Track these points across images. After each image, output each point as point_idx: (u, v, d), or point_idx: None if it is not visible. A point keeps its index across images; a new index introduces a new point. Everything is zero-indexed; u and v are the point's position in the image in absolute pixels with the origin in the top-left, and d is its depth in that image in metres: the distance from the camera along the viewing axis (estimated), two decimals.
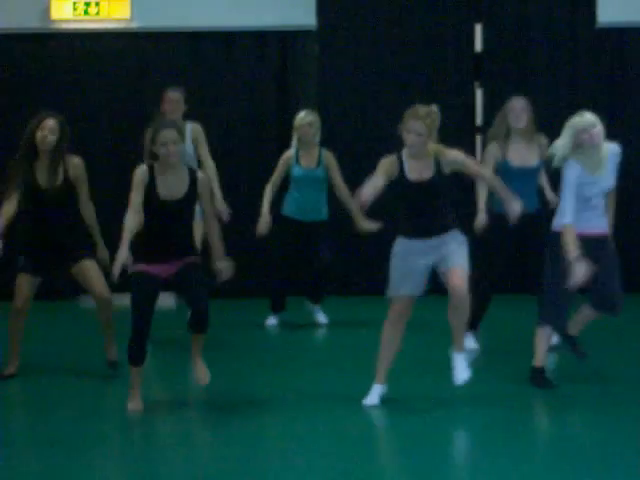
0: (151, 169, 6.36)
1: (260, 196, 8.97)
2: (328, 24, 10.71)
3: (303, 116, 8.87)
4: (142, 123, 9.59)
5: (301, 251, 9.07)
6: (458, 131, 10.66)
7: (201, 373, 6.49)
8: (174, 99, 8.70)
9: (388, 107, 9.84)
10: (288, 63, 10.83)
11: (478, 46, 10.89)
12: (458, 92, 10.76)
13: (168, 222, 6.46)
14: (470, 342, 7.62)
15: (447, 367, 6.44)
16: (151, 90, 10.53)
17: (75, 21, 10.66)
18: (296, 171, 8.90)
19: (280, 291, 9.36)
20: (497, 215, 7.53)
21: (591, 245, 6.55)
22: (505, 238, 7.68)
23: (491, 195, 7.77)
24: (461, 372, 6.27)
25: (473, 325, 7.64)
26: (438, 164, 6.30)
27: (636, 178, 10.09)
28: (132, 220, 6.24)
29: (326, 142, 9.89)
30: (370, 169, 6.52)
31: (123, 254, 6.13)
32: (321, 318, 9.28)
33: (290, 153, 8.87)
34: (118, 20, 10.67)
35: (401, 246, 6.32)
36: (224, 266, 6.51)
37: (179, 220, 6.51)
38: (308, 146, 8.84)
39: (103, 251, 7.36)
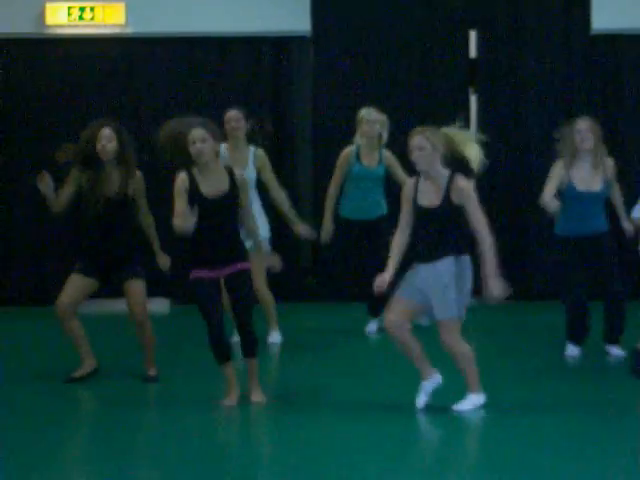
0: (190, 174, 6.49)
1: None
2: (322, 30, 10.81)
3: (368, 112, 8.74)
4: (137, 128, 9.87)
5: (367, 251, 8.95)
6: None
7: (257, 397, 6.65)
8: (233, 116, 8.62)
9: (392, 108, 9.72)
10: (282, 69, 10.90)
11: (472, 52, 10.96)
12: (452, 98, 10.80)
13: (215, 221, 6.59)
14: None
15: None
16: (146, 96, 10.87)
17: (70, 26, 10.72)
18: (357, 169, 8.88)
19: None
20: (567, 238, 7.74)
21: None
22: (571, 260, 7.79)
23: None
24: (463, 406, 6.37)
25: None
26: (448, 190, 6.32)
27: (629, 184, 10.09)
28: (182, 222, 6.50)
29: (321, 147, 10.11)
30: None
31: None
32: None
33: (350, 150, 8.77)
34: (113, 26, 10.75)
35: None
36: (274, 260, 7.06)
37: (226, 218, 6.64)
38: (371, 144, 8.79)
39: (163, 258, 7.57)
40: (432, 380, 6.34)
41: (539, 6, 10.95)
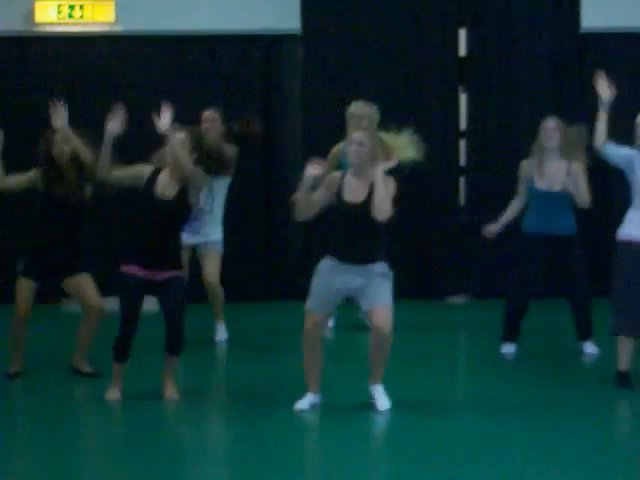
0: (156, 170, 6.69)
1: (244, 200, 9.25)
2: (313, 28, 10.77)
3: (356, 106, 8.64)
4: (126, 127, 9.96)
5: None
6: (442, 135, 10.79)
7: (170, 392, 6.80)
8: (209, 116, 8.68)
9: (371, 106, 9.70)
10: (272, 67, 10.90)
11: (462, 50, 10.95)
12: (442, 96, 10.82)
13: (159, 222, 6.64)
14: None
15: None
16: (135, 94, 10.58)
17: (59, 24, 10.71)
18: (347, 166, 8.43)
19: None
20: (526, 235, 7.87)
21: None
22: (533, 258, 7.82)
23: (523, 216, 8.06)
24: (382, 401, 6.42)
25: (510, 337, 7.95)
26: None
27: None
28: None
29: (311, 146, 9.92)
30: None
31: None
32: None
33: (339, 147, 8.61)
34: (102, 23, 10.71)
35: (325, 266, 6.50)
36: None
37: (169, 221, 6.68)
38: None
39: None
40: (316, 396, 6.47)
41: (529, 4, 10.92)
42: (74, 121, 10.14)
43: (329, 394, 6.69)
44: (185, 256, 8.29)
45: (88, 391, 7.41)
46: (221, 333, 8.85)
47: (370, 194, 6.30)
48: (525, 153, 10.47)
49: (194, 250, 8.89)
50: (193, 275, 8.89)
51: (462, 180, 11.23)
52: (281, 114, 10.81)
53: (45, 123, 9.89)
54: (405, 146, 6.47)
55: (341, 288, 6.39)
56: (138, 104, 10.12)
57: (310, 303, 6.41)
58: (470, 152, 11.08)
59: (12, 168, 9.60)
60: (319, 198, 6.40)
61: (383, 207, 6.22)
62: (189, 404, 6.92)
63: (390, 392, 6.62)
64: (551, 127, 7.61)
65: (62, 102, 7.77)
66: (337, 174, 6.52)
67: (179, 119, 8.34)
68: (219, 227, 8.82)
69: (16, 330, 7.52)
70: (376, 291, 6.35)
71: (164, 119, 6.60)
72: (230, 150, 8.75)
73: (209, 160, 7.47)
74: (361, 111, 8.52)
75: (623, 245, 7.07)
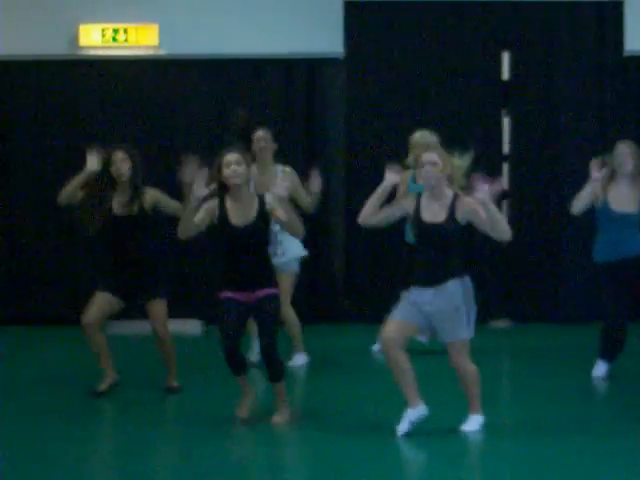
0: (222, 201, 6.63)
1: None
2: (355, 53, 10.88)
3: (422, 135, 8.73)
4: (170, 149, 10.31)
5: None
6: (485, 159, 10.43)
7: (280, 418, 6.83)
8: (261, 136, 8.69)
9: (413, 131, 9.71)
10: (316, 91, 10.98)
11: (505, 74, 10.99)
12: (485, 120, 10.88)
13: (243, 248, 6.74)
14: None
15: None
16: (179, 117, 11.01)
17: (103, 48, 10.87)
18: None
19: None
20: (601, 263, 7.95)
21: None
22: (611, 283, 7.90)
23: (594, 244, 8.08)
24: (472, 426, 6.47)
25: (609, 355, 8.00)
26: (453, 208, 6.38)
27: None
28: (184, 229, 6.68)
29: (353, 168, 10.20)
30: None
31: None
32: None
33: (406, 175, 8.44)
34: (146, 47, 10.83)
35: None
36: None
37: (253, 245, 6.76)
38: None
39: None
40: (417, 410, 6.37)
41: (572, 28, 10.98)
42: (119, 143, 10.30)
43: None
44: None
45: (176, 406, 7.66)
46: (300, 358, 8.92)
47: (451, 214, 6.30)
48: (567, 176, 10.63)
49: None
50: None
51: (505, 204, 11.07)
52: (323, 137, 10.86)
53: (88, 141, 9.50)
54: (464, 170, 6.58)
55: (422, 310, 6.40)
56: (182, 127, 10.82)
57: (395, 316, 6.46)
58: (513, 176, 11.07)
59: (56, 188, 9.68)
60: (393, 213, 6.48)
61: (502, 227, 6.28)
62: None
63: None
64: (627, 152, 7.68)
65: (97, 147, 7.90)
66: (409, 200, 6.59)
67: (223, 141, 8.66)
68: (292, 244, 8.85)
69: (94, 337, 7.69)
70: (454, 324, 6.40)
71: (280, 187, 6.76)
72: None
73: None
74: (427, 140, 8.55)
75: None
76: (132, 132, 10.88)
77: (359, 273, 10.33)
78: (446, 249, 6.37)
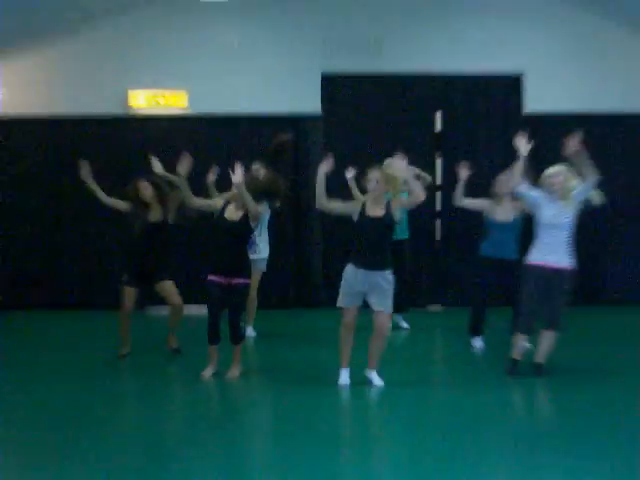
0: (227, 202, 7.85)
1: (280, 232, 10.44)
2: (329, 112, 12.49)
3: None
4: (194, 182, 10.08)
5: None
6: (424, 188, 10.66)
7: (233, 373, 7.96)
8: (256, 169, 9.79)
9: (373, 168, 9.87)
10: (300, 138, 12.40)
11: (438, 127, 12.68)
12: (425, 161, 12.02)
13: (228, 239, 7.75)
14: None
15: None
16: (202, 159, 10.64)
17: (146, 108, 12.41)
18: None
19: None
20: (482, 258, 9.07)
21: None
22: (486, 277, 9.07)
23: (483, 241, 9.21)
24: (377, 382, 7.64)
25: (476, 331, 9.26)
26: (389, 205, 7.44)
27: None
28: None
29: (327, 189, 10.62)
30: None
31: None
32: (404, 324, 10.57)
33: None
34: (178, 108, 12.42)
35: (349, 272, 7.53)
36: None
37: (236, 238, 7.78)
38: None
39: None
40: (347, 370, 7.69)
41: (486, 94, 12.64)
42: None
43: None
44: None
45: (179, 367, 8.87)
46: (249, 331, 10.03)
47: (386, 212, 7.45)
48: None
49: None
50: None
51: (438, 222, 12.64)
52: (306, 173, 12.06)
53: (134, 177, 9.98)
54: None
55: (361, 289, 7.46)
56: (204, 164, 10.54)
57: (340, 302, 7.57)
58: (444, 200, 12.43)
59: (92, 216, 11.22)
60: (346, 207, 7.59)
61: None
62: (246, 380, 8.14)
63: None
64: (504, 179, 8.94)
65: (156, 157, 9.31)
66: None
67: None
68: (267, 246, 9.96)
69: (124, 323, 9.00)
70: (381, 298, 7.46)
71: (237, 175, 7.61)
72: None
73: (260, 197, 8.15)
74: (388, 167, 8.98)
75: (526, 267, 8.15)
76: (167, 168, 10.75)
77: (334, 267, 10.40)
78: (384, 238, 7.52)
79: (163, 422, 6.97)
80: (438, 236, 12.79)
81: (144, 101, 12.49)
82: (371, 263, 7.52)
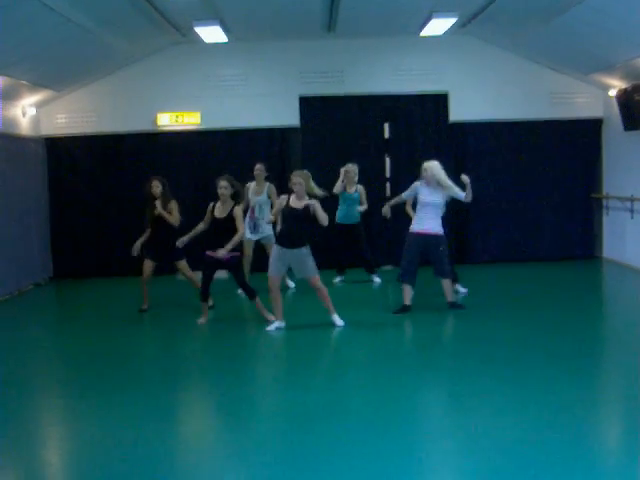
0: (216, 201, 9.15)
1: None
2: (306, 124, 14.27)
3: (350, 165, 11.48)
4: (206, 182, 12.52)
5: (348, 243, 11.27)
6: (375, 180, 14.03)
7: (268, 320, 9.15)
8: (258, 167, 11.50)
9: (340, 165, 12.44)
10: (284, 144, 14.29)
11: (387, 135, 14.56)
12: (377, 161, 14.22)
13: (219, 229, 9.13)
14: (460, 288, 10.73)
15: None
16: (213, 164, 13.86)
17: (170, 125, 14.24)
18: (344, 195, 11.75)
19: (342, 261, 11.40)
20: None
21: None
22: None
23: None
24: (339, 322, 8.90)
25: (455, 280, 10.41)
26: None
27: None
28: (200, 226, 9.25)
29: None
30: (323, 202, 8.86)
31: (185, 239, 9.11)
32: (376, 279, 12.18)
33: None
34: (193, 124, 14.26)
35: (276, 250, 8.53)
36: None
37: (224, 228, 9.07)
38: (351, 182, 11.68)
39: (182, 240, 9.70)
40: (280, 322, 8.96)
41: (422, 108, 14.42)
42: (178, 179, 13.54)
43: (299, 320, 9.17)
44: (250, 246, 11.39)
45: (191, 319, 9.98)
46: (290, 283, 11.61)
47: (305, 207, 8.48)
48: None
49: (257, 242, 11.63)
50: (257, 256, 11.78)
51: (386, 206, 12.57)
52: (290, 169, 12.56)
53: (163, 174, 11.51)
54: (313, 184, 8.93)
55: (285, 262, 8.65)
56: (214, 167, 13.39)
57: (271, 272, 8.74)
58: (392, 188, 14.24)
59: (122, 205, 13.49)
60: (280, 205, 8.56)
61: (324, 219, 8.35)
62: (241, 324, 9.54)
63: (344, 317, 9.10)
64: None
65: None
66: (285, 196, 8.75)
67: (236, 174, 10.25)
68: (269, 227, 11.33)
69: (144, 286, 10.46)
70: (307, 266, 8.61)
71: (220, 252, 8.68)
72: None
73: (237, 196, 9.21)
74: (349, 168, 11.86)
75: (409, 234, 9.38)
76: (184, 171, 14.32)
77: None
78: (302, 225, 8.52)
79: (174, 357, 8.25)
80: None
81: (168, 120, 14.24)
82: (290, 243, 8.75)
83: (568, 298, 11.27)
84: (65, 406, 6.95)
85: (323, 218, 8.52)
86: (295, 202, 8.79)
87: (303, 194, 8.80)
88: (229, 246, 8.99)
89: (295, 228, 8.65)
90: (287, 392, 7.02)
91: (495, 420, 6.02)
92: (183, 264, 10.41)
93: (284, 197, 8.84)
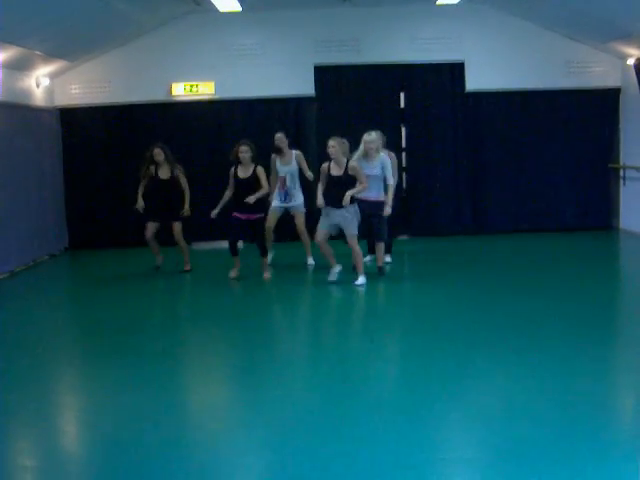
0: (236, 165, 9.97)
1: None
2: (320, 93, 14.43)
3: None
4: (221, 152, 12.96)
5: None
6: (394, 150, 12.52)
7: (266, 274, 10.28)
8: (279, 137, 11.51)
9: (356, 135, 11.41)
10: (300, 113, 14.47)
11: (402, 104, 14.70)
12: (393, 129, 13.99)
13: (244, 190, 9.86)
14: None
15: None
16: (227, 134, 14.03)
17: (185, 95, 14.44)
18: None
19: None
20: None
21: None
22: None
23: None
24: (361, 280, 9.65)
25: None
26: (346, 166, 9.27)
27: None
28: (227, 193, 10.08)
29: (322, 155, 11.01)
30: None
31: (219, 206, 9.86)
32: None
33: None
34: (208, 94, 14.43)
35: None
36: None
37: (249, 188, 9.85)
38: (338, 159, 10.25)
39: (187, 209, 10.95)
40: (337, 267, 9.86)
41: (438, 77, 14.52)
42: (192, 148, 14.27)
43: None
44: (276, 214, 11.41)
45: (207, 274, 11.22)
46: (311, 260, 11.61)
47: (345, 171, 9.29)
48: (441, 159, 14.30)
49: (286, 210, 11.65)
50: (285, 225, 12.08)
51: (404, 173, 14.50)
52: (304, 138, 14.09)
53: (174, 148, 12.28)
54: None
55: (331, 219, 9.42)
56: (228, 136, 13.78)
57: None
58: (408, 158, 14.57)
59: (129, 175, 13.21)
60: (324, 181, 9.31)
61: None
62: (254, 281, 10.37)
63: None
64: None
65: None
66: (325, 164, 9.57)
67: (257, 142, 11.00)
68: (301, 195, 11.43)
69: (151, 244, 11.19)
70: (349, 225, 9.36)
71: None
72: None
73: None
74: (369, 137, 10.82)
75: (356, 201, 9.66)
76: (199, 140, 14.54)
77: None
78: (343, 188, 9.36)
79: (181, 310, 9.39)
80: (404, 185, 14.66)
81: (183, 90, 14.43)
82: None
83: (584, 268, 11.59)
84: (79, 368, 7.44)
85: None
86: (335, 169, 9.64)
87: (341, 158, 9.63)
88: (255, 197, 9.89)
89: (338, 192, 9.43)
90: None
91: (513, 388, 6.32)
92: (179, 227, 11.02)
93: (325, 165, 9.70)
